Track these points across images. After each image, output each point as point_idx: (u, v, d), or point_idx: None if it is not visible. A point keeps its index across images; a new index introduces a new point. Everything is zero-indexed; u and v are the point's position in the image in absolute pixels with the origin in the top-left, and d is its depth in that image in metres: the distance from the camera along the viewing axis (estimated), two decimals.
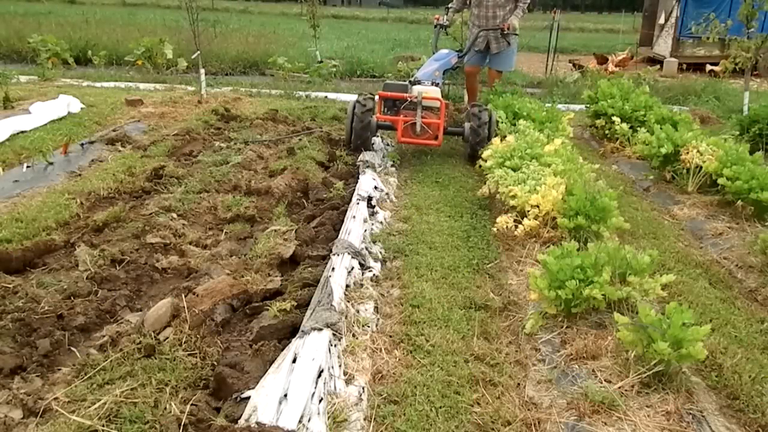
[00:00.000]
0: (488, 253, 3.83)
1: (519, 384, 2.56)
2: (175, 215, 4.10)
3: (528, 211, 3.77)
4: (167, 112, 7.20)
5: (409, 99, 5.44)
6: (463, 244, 3.93)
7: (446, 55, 6.01)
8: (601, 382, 2.41)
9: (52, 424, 2.14)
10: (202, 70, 8.13)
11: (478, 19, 6.55)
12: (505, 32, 6.29)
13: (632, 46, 16.19)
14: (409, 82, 5.67)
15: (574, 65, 12.78)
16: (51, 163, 5.07)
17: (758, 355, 2.77)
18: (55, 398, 2.27)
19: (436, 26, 6.70)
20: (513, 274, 3.54)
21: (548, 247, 3.41)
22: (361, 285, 3.23)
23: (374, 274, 3.39)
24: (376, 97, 5.65)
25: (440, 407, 2.37)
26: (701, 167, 4.79)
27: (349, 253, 3.34)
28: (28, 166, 5.02)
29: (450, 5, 6.85)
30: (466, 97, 7.80)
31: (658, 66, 12.89)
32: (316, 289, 2.96)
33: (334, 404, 2.26)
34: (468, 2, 6.84)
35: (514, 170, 4.21)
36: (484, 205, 4.69)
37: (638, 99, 6.46)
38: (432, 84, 5.57)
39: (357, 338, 2.73)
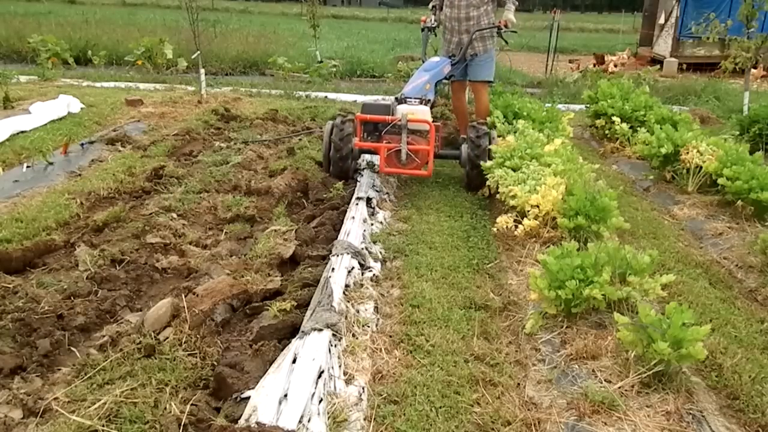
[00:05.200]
0: (488, 253, 3.82)
1: (519, 384, 2.56)
2: (175, 215, 4.10)
3: (528, 211, 3.77)
4: (167, 112, 7.21)
5: (392, 122, 4.68)
6: (463, 244, 3.93)
7: (437, 64, 5.22)
8: (601, 382, 2.41)
9: (52, 424, 2.14)
10: (202, 70, 8.13)
11: (450, 21, 5.58)
12: (503, 30, 5.48)
13: (632, 46, 16.23)
14: (396, 99, 4.93)
15: (594, 63, 12.83)
16: (51, 163, 5.07)
17: (758, 355, 2.76)
18: (55, 398, 2.27)
19: (423, 29, 5.79)
20: (513, 274, 3.54)
21: (548, 247, 3.40)
22: (361, 285, 3.23)
23: (374, 274, 3.39)
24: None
25: (440, 407, 2.37)
26: (701, 167, 4.79)
27: (348, 253, 3.34)
28: (28, 166, 5.02)
29: (433, 3, 5.91)
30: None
31: (658, 66, 12.90)
32: (316, 289, 2.96)
33: (334, 404, 2.26)
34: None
35: (514, 170, 4.21)
36: (484, 205, 4.69)
37: (638, 99, 6.46)
38: (421, 102, 4.79)
39: (357, 338, 2.73)
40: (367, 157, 5.39)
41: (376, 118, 4.75)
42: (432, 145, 4.64)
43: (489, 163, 4.46)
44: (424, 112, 4.70)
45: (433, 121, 4.73)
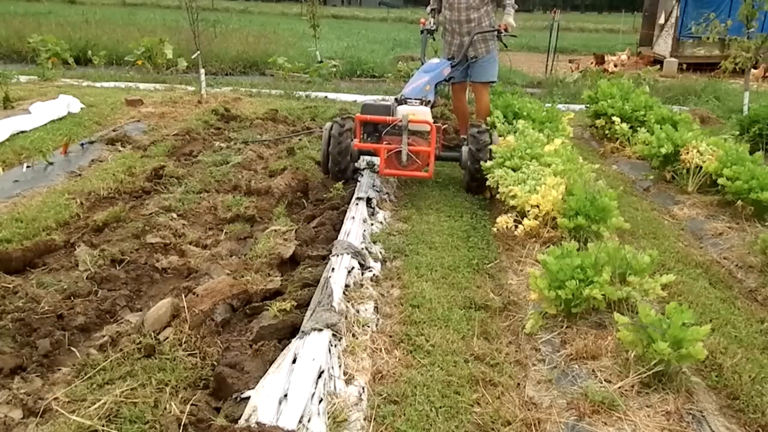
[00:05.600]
0: (488, 253, 3.82)
1: (519, 384, 2.56)
2: (175, 215, 4.10)
3: (528, 211, 3.77)
4: (167, 112, 7.21)
5: (392, 123, 4.61)
6: (463, 244, 3.93)
7: (437, 66, 5.15)
8: (601, 382, 2.41)
9: (52, 424, 2.14)
10: (202, 70, 8.13)
11: (450, 23, 5.54)
12: (503, 34, 5.38)
13: (632, 46, 16.23)
14: (396, 100, 4.83)
15: (594, 63, 12.93)
16: (51, 163, 5.07)
17: (758, 355, 2.76)
18: (55, 398, 2.27)
19: (422, 31, 5.73)
20: (513, 274, 3.54)
21: (548, 247, 3.40)
22: (361, 285, 3.23)
23: (374, 274, 3.39)
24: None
25: (440, 407, 2.37)
26: (701, 167, 4.79)
27: (348, 253, 3.34)
28: (28, 166, 5.02)
29: (431, 6, 5.81)
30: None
31: (658, 66, 12.90)
32: (316, 289, 2.96)
33: (334, 404, 2.26)
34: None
35: (514, 170, 4.21)
36: (484, 205, 4.69)
37: (638, 99, 6.46)
38: (422, 102, 4.72)
39: (357, 338, 2.73)
40: (367, 156, 5.38)
41: (377, 118, 4.67)
42: (433, 146, 4.56)
43: (489, 163, 4.45)
44: (425, 113, 4.62)
45: (433, 122, 4.69)
